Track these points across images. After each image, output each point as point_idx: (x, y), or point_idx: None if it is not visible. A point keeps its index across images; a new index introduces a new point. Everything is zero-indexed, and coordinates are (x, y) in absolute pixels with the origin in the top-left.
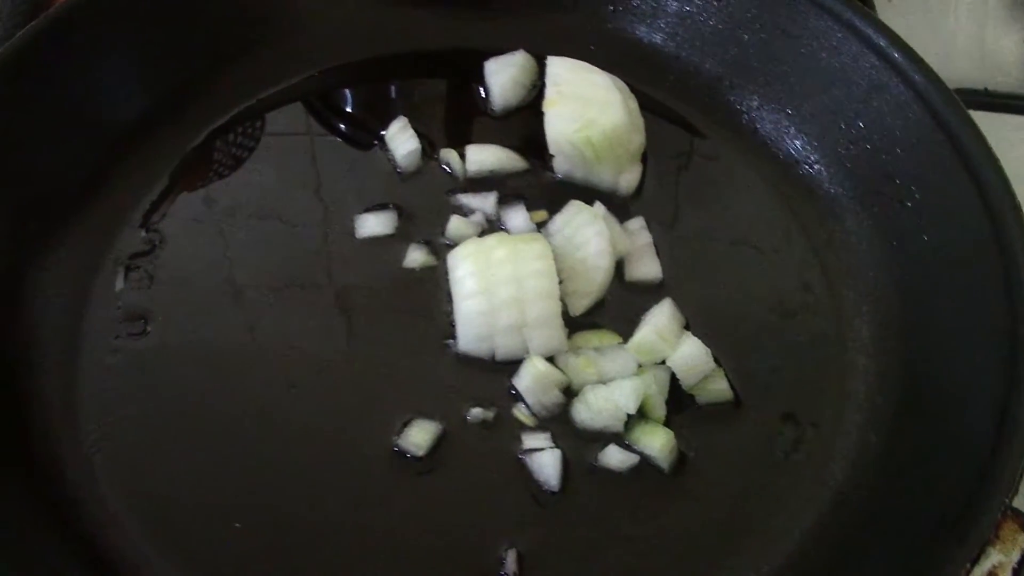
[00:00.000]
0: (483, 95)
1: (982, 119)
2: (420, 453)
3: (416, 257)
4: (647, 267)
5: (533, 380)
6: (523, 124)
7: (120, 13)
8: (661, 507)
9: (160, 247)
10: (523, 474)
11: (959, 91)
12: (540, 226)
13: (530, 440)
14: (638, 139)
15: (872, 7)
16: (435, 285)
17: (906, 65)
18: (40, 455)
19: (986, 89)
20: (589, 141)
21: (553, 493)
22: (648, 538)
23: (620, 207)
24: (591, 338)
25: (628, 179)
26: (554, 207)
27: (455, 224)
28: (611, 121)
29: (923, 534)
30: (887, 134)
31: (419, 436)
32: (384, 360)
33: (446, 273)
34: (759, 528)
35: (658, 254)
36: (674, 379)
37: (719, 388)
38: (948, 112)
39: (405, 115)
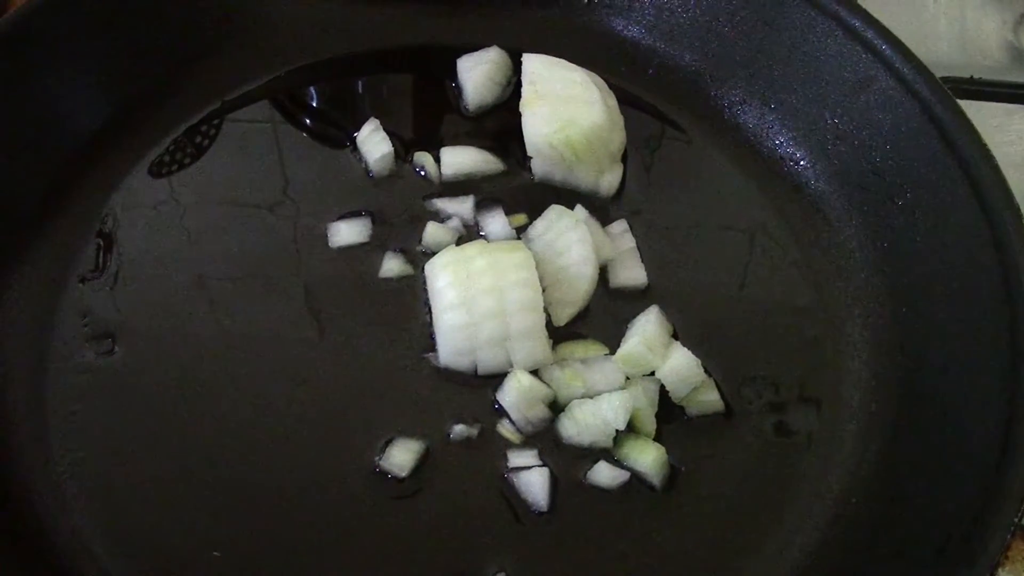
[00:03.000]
0: (456, 93)
1: (966, 107)
2: (403, 474)
3: (392, 266)
4: (631, 273)
5: (518, 395)
6: (498, 123)
7: (78, 17)
8: (654, 525)
9: (124, 259)
10: (510, 494)
11: (945, 79)
12: (519, 231)
13: (516, 458)
14: (618, 138)
15: None
16: (412, 296)
17: (895, 58)
18: (8, 483)
19: (972, 77)
20: (569, 142)
21: (541, 513)
22: (641, 558)
23: (601, 209)
24: (576, 349)
25: (609, 180)
26: (533, 210)
27: (432, 231)
28: (591, 121)
29: (929, 554)
30: (876, 129)
31: (401, 456)
32: (362, 376)
33: (424, 283)
34: (756, 546)
35: (641, 258)
36: (662, 390)
37: (710, 399)
38: (939, 107)
39: (376, 116)
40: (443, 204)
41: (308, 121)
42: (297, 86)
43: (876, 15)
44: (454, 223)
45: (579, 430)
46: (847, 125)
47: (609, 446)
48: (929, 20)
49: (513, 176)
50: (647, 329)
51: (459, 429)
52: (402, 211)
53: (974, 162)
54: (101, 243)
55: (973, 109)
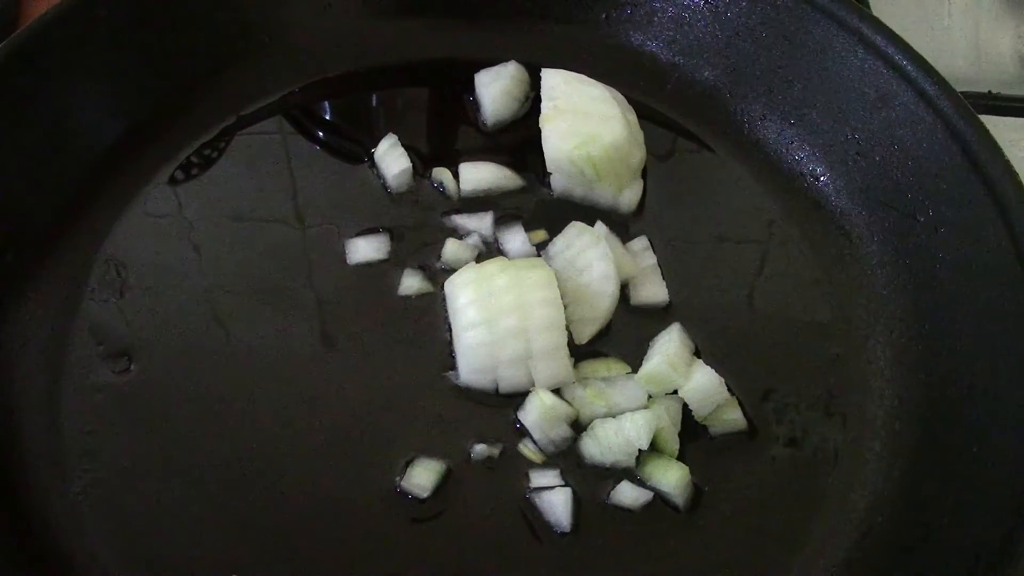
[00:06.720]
0: (474, 108)
1: (984, 123)
2: (424, 495)
3: (411, 284)
4: (653, 290)
5: (540, 414)
6: (516, 139)
7: (94, 31)
8: (677, 546)
9: (139, 276)
10: (532, 514)
11: (963, 95)
12: (539, 247)
13: (538, 478)
14: (638, 154)
15: (866, 4)
16: (432, 313)
17: (917, 75)
18: (24, 504)
19: (990, 92)
20: (589, 158)
21: (564, 534)
22: None
23: (621, 225)
24: (598, 368)
25: (629, 196)
26: (552, 226)
27: (451, 248)
28: (611, 136)
29: (958, 575)
30: (897, 145)
31: (423, 476)
32: (381, 394)
33: (443, 300)
34: (781, 566)
35: (662, 275)
36: (685, 408)
37: (733, 418)
38: (961, 123)
39: (394, 131)
40: (462, 220)
41: (325, 136)
42: (313, 101)
43: None
44: (473, 240)
45: (602, 450)
46: (868, 141)
47: (632, 466)
48: (943, 35)
49: (532, 192)
50: (669, 347)
51: (480, 449)
52: (421, 227)
53: (997, 178)
54: (115, 260)
55: (990, 124)
